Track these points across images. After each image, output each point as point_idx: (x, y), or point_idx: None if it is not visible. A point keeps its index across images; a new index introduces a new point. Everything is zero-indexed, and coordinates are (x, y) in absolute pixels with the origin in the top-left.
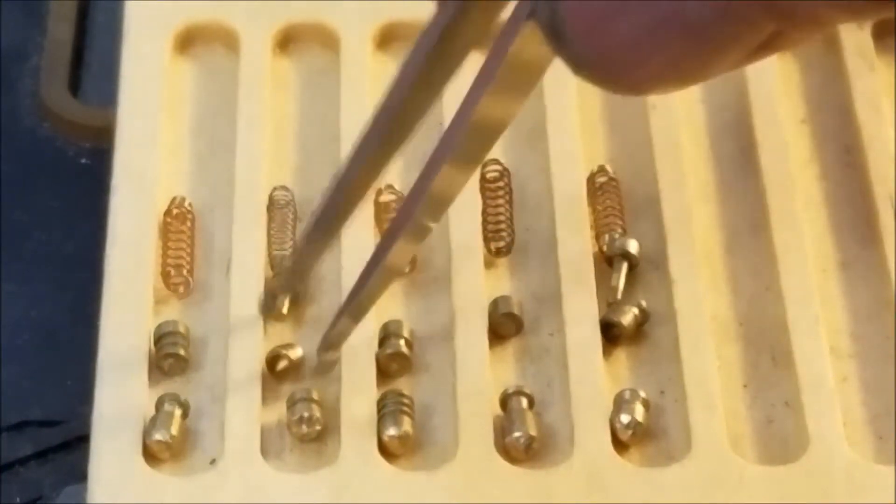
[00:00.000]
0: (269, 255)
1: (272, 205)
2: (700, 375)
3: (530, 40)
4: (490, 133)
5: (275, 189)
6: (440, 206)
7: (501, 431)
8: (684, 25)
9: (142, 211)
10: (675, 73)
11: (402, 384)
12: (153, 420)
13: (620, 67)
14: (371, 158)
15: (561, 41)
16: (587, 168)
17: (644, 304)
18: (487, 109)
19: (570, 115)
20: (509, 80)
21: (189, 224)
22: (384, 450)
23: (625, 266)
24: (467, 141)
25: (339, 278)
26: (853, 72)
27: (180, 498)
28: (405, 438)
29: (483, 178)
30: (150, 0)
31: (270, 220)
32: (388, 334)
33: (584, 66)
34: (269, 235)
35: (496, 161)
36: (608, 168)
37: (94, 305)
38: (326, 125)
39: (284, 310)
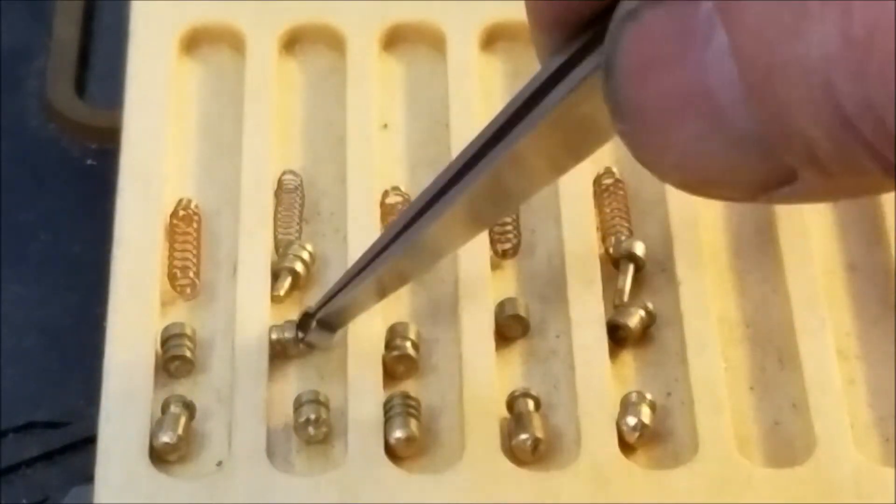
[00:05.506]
0: (275, 238)
1: (280, 189)
2: (706, 377)
3: (590, 93)
4: (504, 195)
5: (284, 173)
6: (425, 261)
7: (508, 433)
8: (709, 108)
9: (148, 212)
10: (692, 164)
11: (409, 386)
12: (159, 422)
13: (647, 127)
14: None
15: (609, 77)
16: (593, 170)
17: (650, 306)
18: (515, 162)
19: None
20: (553, 134)
21: (195, 226)
22: (391, 452)
23: (631, 268)
24: (477, 196)
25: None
26: None
27: (187, 500)
28: (412, 441)
29: None
30: (156, 1)
31: (278, 203)
32: (394, 336)
33: (620, 114)
34: (275, 219)
35: None
36: (614, 170)
37: (101, 307)
38: (333, 127)
39: (282, 292)
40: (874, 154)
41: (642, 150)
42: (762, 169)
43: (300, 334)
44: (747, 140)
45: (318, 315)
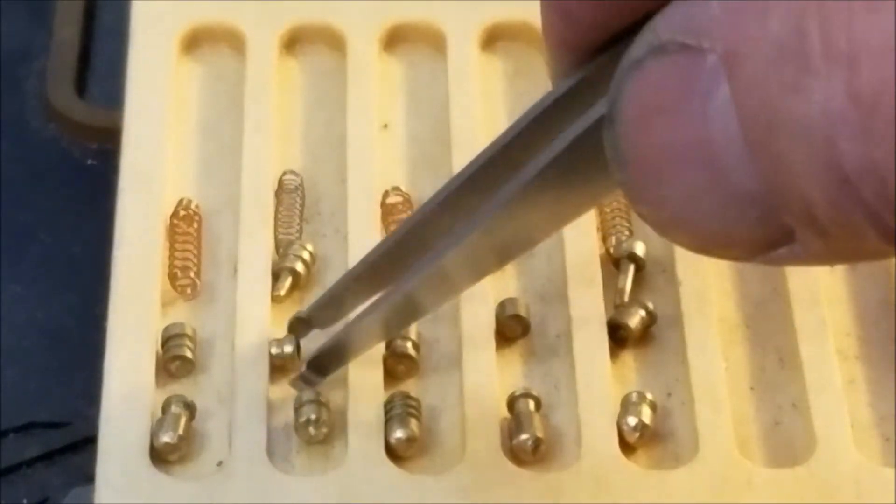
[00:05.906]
0: (276, 238)
1: (280, 189)
2: (707, 377)
3: (597, 140)
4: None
5: (284, 173)
6: (408, 318)
7: (508, 434)
8: (709, 162)
9: (149, 213)
10: (689, 219)
11: (409, 386)
12: (160, 422)
13: (646, 179)
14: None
15: (610, 125)
16: None
17: (651, 306)
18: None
19: None
20: (557, 181)
21: (196, 226)
22: (391, 452)
23: (632, 268)
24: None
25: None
26: None
27: (187, 499)
28: (412, 441)
29: None
30: (156, 1)
31: (278, 203)
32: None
33: (619, 163)
34: (276, 219)
35: None
36: None
37: (101, 307)
38: (333, 127)
39: (282, 292)
40: (873, 217)
41: (640, 203)
42: (760, 228)
43: (298, 342)
44: (746, 197)
45: (310, 357)
